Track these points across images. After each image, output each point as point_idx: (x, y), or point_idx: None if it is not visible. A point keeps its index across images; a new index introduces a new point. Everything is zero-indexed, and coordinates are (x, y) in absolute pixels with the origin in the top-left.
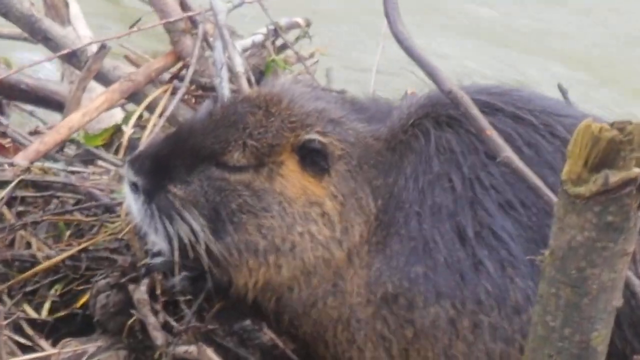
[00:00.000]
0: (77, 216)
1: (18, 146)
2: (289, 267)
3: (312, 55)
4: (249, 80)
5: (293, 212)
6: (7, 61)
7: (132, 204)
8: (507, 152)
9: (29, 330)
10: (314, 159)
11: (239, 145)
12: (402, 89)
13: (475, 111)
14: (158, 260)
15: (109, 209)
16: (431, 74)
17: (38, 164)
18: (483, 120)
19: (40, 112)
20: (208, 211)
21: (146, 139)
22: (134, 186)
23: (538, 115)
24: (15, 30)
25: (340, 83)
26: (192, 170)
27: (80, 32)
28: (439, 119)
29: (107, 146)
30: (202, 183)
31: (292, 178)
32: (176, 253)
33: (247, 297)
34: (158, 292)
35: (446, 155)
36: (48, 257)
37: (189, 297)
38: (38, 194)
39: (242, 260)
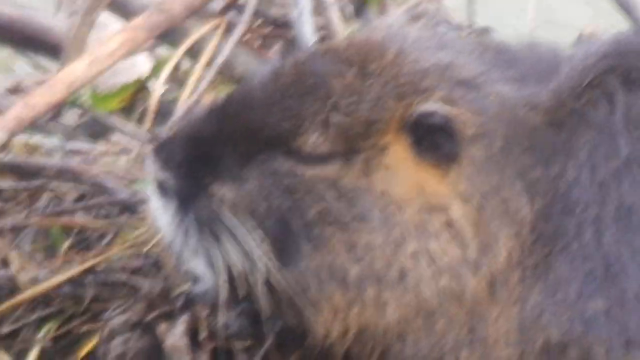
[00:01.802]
0: (81, 218)
1: None
2: (398, 304)
3: None
4: (342, 13)
5: (403, 221)
6: None
7: (160, 212)
8: None
9: None
10: (435, 140)
11: (318, 123)
12: (576, 25)
13: None
14: (204, 286)
15: (129, 209)
16: (624, 2)
17: (22, 137)
18: None
19: (26, 59)
20: (272, 223)
21: (186, 101)
22: (162, 187)
23: None
24: None
25: (486, 18)
26: (249, 162)
27: None
28: (632, 75)
29: (126, 112)
30: (264, 181)
31: (402, 171)
32: (223, 284)
33: (337, 349)
34: (203, 335)
35: None
36: (35, 281)
37: (249, 343)
38: (21, 185)
39: (323, 295)
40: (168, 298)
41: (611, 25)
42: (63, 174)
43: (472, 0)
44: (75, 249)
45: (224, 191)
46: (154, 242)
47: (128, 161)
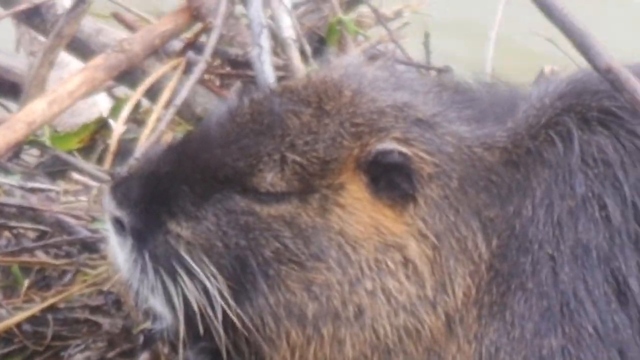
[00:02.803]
0: (41, 257)
1: None
2: (355, 342)
3: (398, 14)
4: (302, 53)
5: (359, 260)
6: None
7: (117, 250)
8: None
9: None
10: (391, 179)
11: (275, 162)
12: (534, 66)
13: None
14: (164, 324)
15: (89, 247)
16: (581, 44)
17: None
18: None
19: None
20: (228, 261)
21: (146, 140)
22: (119, 224)
23: None
24: None
25: (443, 58)
26: (205, 201)
27: None
28: (588, 114)
29: (86, 151)
30: (220, 219)
31: (358, 210)
32: (182, 323)
33: None
34: None
35: (598, 169)
36: None
37: None
38: None
39: (281, 333)
40: (129, 336)
41: (569, 59)
42: (23, 212)
43: (429, 40)
44: (36, 288)
45: (180, 229)
46: (113, 280)
47: (88, 200)
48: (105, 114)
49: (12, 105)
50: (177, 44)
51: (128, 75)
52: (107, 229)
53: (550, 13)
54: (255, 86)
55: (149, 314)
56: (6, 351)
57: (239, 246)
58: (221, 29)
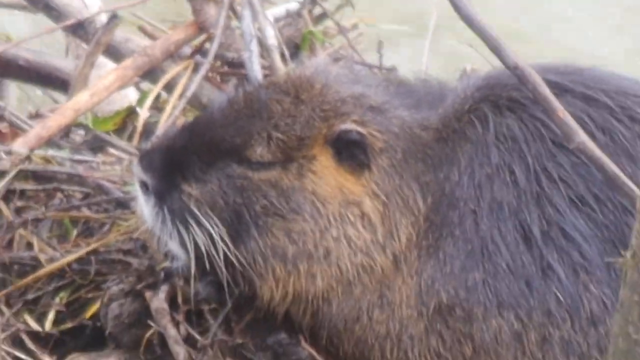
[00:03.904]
0: (85, 212)
1: (17, 131)
2: (324, 276)
3: (355, 27)
4: (282, 56)
5: (327, 213)
6: (8, 37)
7: (143, 206)
8: (581, 138)
9: (31, 345)
10: (351, 152)
11: (263, 138)
12: (458, 68)
13: (545, 90)
14: (179, 263)
15: (122, 205)
16: (494, 47)
17: (39, 151)
18: (554, 101)
19: (42, 92)
20: (228, 214)
21: (164, 123)
22: (145, 185)
23: (613, 97)
24: None
25: (391, 60)
26: (210, 168)
27: (88, 0)
28: (499, 102)
29: (119, 131)
30: (221, 182)
31: (326, 175)
32: (192, 261)
33: (278, 310)
34: (179, 300)
35: (507, 144)
36: (52, 260)
37: (214, 306)
38: (40, 187)
39: (268, 269)
40: (153, 272)
41: (486, 60)
42: (71, 178)
43: (381, 45)
44: (82, 236)
45: (191, 190)
46: (141, 229)
47: (121, 169)
48: (133, 103)
49: (62, 97)
50: (187, 50)
51: (150, 73)
52: (136, 190)
53: (471, 24)
54: (247, 81)
55: (168, 255)
56: (60, 284)
57: (236, 203)
58: (221, 38)
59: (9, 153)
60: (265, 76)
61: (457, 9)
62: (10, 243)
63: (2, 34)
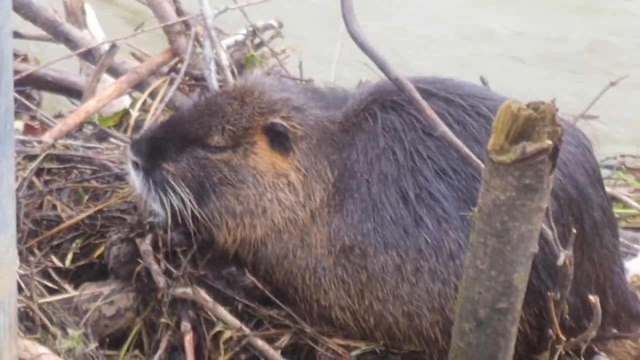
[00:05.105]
0: (93, 184)
1: (45, 127)
2: (262, 226)
3: (283, 52)
4: (232, 72)
5: (264, 182)
6: (37, 59)
7: (134, 178)
8: (443, 128)
9: (55, 277)
10: (280, 139)
11: (219, 130)
12: (357, 80)
13: (417, 95)
14: (160, 218)
15: (119, 178)
16: (381, 65)
17: (61, 141)
18: (423, 102)
19: (63, 99)
20: (194, 184)
21: (149, 120)
22: (135, 164)
23: (466, 99)
24: (42, 33)
25: (309, 74)
26: (182, 152)
27: (95, 34)
28: (385, 103)
29: (117, 126)
30: (190, 162)
31: (263, 155)
32: (169, 217)
33: (229, 251)
34: (160, 244)
35: (390, 133)
36: (70, 217)
37: (184, 248)
38: (61, 166)
39: (222, 222)
40: (141, 225)
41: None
42: (84, 159)
43: (301, 64)
44: (91, 200)
45: (169, 167)
46: (133, 195)
47: (119, 153)
48: (127, 106)
49: (77, 103)
50: (165, 69)
51: (139, 86)
52: (129, 168)
53: (365, 49)
54: (207, 90)
55: (152, 213)
56: (76, 234)
57: (200, 176)
58: (189, 60)
59: (39, 142)
60: (220, 87)
61: (354, 38)
62: (40, 205)
63: (34, 58)
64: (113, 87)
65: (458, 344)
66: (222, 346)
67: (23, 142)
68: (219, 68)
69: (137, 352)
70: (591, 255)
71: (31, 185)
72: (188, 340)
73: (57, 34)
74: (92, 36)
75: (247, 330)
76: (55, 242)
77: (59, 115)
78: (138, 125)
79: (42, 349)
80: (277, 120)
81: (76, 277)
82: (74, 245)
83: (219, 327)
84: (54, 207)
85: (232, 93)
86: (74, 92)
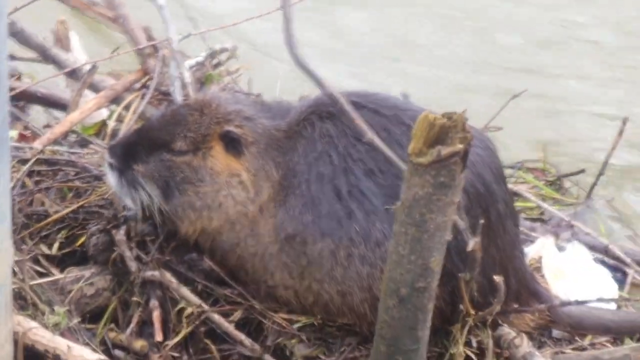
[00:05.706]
0: (76, 183)
1: (36, 135)
2: (218, 218)
3: (237, 71)
4: (193, 88)
5: (220, 181)
6: (32, 75)
7: (110, 178)
8: (370, 135)
9: (44, 262)
10: (233, 144)
11: (182, 137)
12: (299, 93)
13: (348, 107)
14: (132, 212)
15: (98, 178)
16: (318, 82)
17: (49, 147)
18: (354, 113)
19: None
20: (161, 183)
21: (124, 129)
22: (111, 165)
23: (390, 110)
24: (33, 55)
25: (258, 89)
26: (150, 155)
27: (78, 56)
28: (322, 114)
29: (97, 134)
30: (157, 163)
31: (219, 158)
32: (140, 211)
33: (190, 239)
34: (132, 234)
35: (326, 139)
36: (57, 212)
37: (153, 237)
38: (49, 169)
39: (185, 215)
40: (117, 218)
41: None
42: (68, 163)
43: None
44: (74, 197)
45: (139, 168)
46: (109, 192)
47: (98, 157)
48: (105, 117)
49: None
50: (137, 85)
51: (116, 100)
52: (106, 169)
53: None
54: (173, 103)
55: (125, 207)
56: (61, 226)
57: (166, 176)
58: (157, 78)
59: (31, 148)
60: (184, 100)
61: (296, 62)
62: (31, 202)
63: (28, 75)
64: (93, 101)
65: (384, 317)
66: (184, 320)
67: (17, 148)
68: (183, 84)
69: (113, 325)
70: (496, 242)
71: (23, 185)
72: (156, 315)
73: (47, 57)
74: (75, 58)
75: (205, 307)
76: (44, 233)
77: (48, 126)
78: (114, 134)
79: (33, 324)
80: (231, 128)
81: (62, 262)
82: (59, 235)
83: (182, 304)
84: (43, 203)
85: (193, 105)
86: (60, 106)
